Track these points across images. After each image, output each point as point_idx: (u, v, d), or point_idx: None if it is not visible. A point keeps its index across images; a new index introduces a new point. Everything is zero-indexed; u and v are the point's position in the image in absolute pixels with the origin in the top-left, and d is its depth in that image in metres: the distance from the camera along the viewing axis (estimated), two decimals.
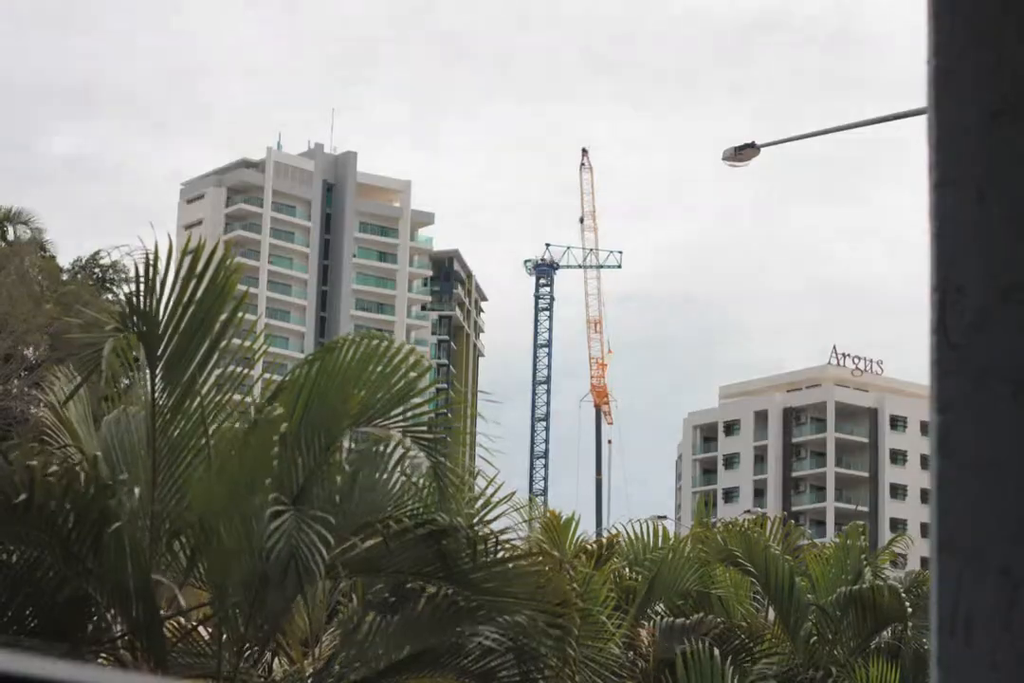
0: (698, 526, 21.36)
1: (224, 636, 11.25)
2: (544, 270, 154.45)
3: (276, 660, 13.01)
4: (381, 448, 11.92)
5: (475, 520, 12.19)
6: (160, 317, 11.16)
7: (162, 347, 11.22)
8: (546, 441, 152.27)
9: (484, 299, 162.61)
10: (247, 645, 11.37)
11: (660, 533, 19.32)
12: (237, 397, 11.86)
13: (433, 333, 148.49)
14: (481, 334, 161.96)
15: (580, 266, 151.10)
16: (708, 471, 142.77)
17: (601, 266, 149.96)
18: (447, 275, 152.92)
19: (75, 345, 13.55)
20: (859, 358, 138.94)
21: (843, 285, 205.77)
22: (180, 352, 11.26)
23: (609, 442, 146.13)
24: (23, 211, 43.72)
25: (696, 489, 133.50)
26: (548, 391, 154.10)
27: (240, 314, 11.64)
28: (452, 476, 11.94)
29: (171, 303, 11.19)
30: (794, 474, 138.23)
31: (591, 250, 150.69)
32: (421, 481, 12.03)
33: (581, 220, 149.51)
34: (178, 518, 11.33)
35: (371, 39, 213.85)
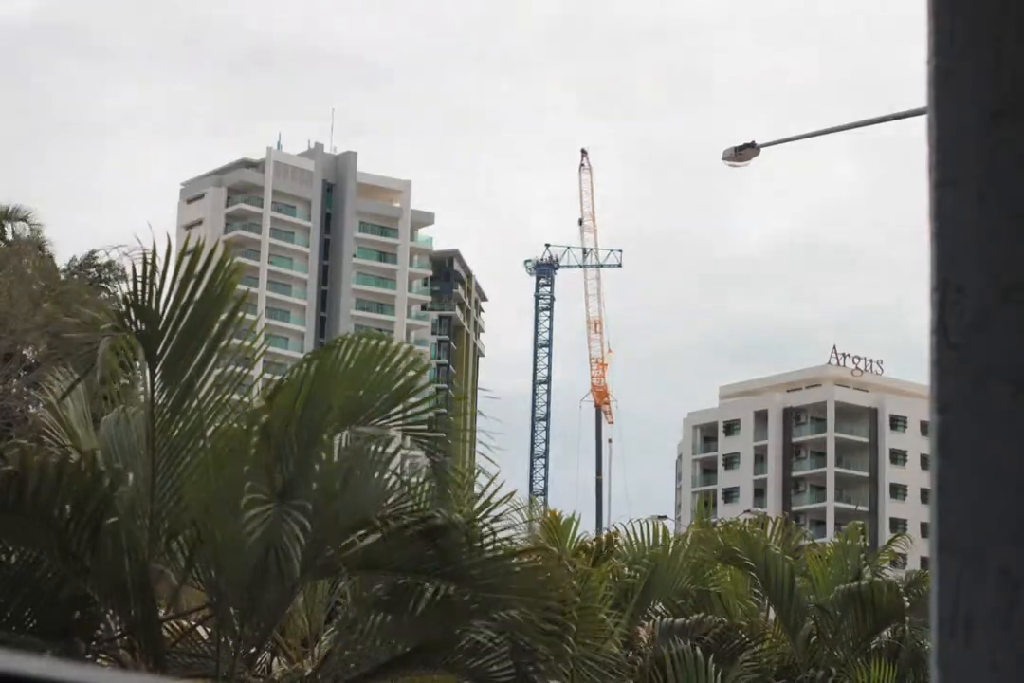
0: (698, 526, 21.37)
1: (222, 636, 11.25)
2: (544, 270, 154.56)
3: (275, 659, 13.02)
4: (379, 446, 11.92)
5: (475, 519, 12.19)
6: (159, 317, 11.16)
7: (161, 347, 11.22)
8: (546, 441, 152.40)
9: (484, 299, 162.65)
10: (245, 644, 11.37)
11: (660, 532, 19.32)
12: (236, 397, 11.85)
13: (433, 333, 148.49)
14: (481, 334, 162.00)
15: (580, 266, 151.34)
16: (708, 471, 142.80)
17: (601, 265, 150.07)
18: (447, 275, 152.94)
19: (74, 344, 13.54)
20: (859, 358, 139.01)
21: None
22: (179, 352, 11.26)
23: (609, 441, 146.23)
24: (22, 208, 43.72)
25: (696, 489, 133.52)
26: (548, 391, 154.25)
27: (240, 314, 11.64)
28: (451, 474, 11.95)
29: (170, 303, 11.18)
30: (794, 474, 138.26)
31: (590, 249, 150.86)
32: (419, 478, 12.03)
33: (580, 221, 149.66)
34: (176, 518, 11.33)
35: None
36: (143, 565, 10.66)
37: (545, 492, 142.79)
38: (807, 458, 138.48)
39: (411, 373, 11.74)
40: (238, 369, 11.91)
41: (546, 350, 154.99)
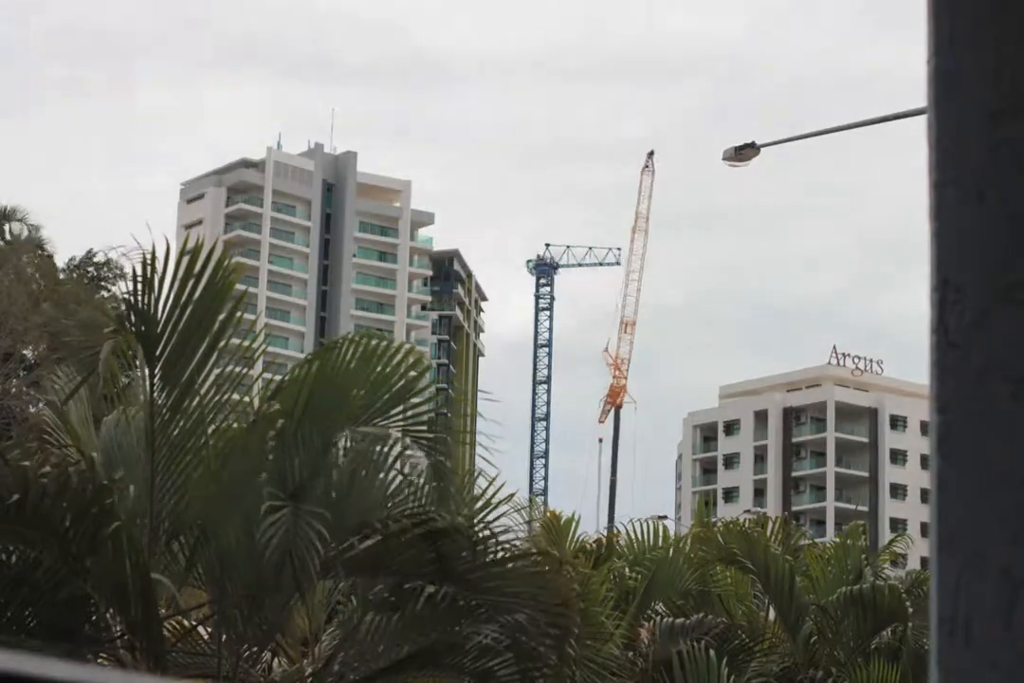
0: (698, 526, 21.37)
1: (223, 636, 11.25)
2: (544, 270, 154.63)
3: (275, 660, 13.02)
4: (380, 447, 11.92)
5: (475, 520, 12.18)
6: (159, 317, 11.16)
7: (161, 347, 11.21)
8: (546, 441, 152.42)
9: (484, 299, 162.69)
10: (246, 645, 11.37)
11: (660, 533, 19.32)
12: (236, 397, 11.85)
13: (433, 333, 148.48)
14: (481, 334, 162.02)
15: (579, 265, 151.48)
16: (708, 471, 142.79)
17: (601, 263, 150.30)
18: (447, 275, 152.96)
19: (74, 345, 13.54)
20: (859, 358, 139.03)
21: None
22: (179, 352, 11.25)
23: (600, 440, 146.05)
24: (18, 208, 43.73)
25: (696, 489, 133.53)
26: (548, 391, 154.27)
27: (239, 314, 11.63)
28: (452, 475, 11.95)
29: (170, 303, 11.18)
30: (794, 474, 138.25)
31: (590, 249, 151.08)
32: (420, 480, 12.03)
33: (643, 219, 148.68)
34: (177, 518, 11.32)
35: None
36: (144, 565, 10.65)
37: (545, 492, 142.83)
38: (807, 458, 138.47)
39: (412, 373, 11.74)
40: (238, 369, 11.91)
41: (546, 350, 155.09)
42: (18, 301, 37.25)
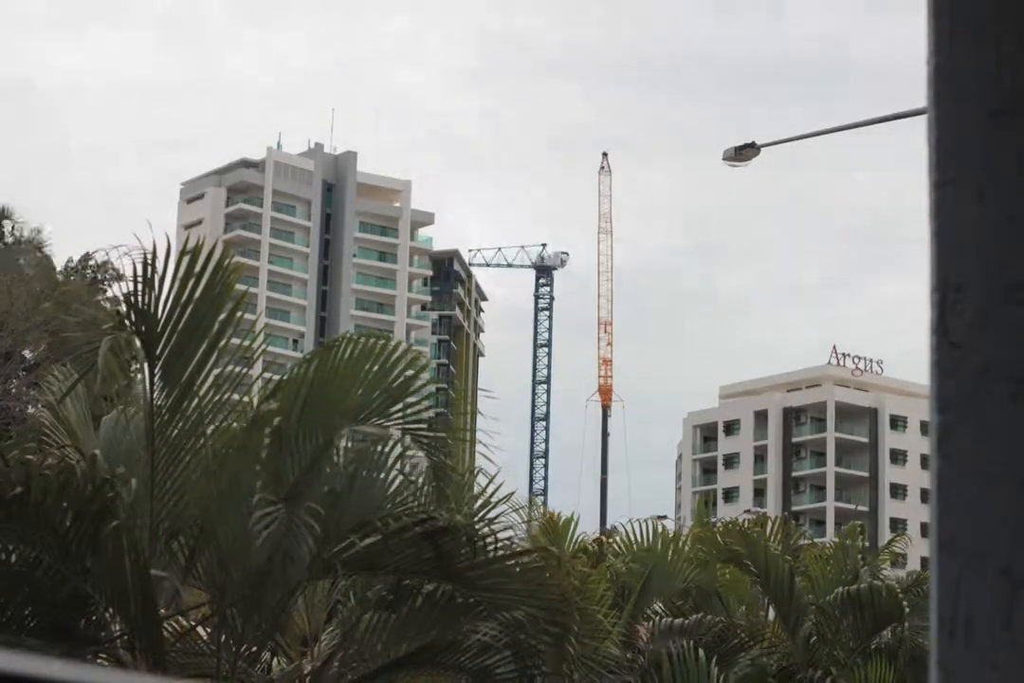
0: (698, 526, 21.37)
1: (223, 635, 11.25)
2: (544, 270, 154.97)
3: (275, 659, 13.02)
4: (380, 447, 11.93)
5: (474, 518, 12.19)
6: (158, 317, 11.15)
7: (160, 347, 11.21)
8: (546, 441, 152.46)
9: (484, 299, 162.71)
10: (245, 644, 11.37)
11: (659, 532, 19.32)
12: (236, 397, 11.85)
13: (433, 333, 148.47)
14: (481, 334, 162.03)
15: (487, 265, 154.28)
16: (708, 471, 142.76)
17: (511, 264, 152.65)
18: (447, 275, 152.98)
19: (74, 344, 13.53)
20: (859, 358, 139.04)
21: None
22: (178, 352, 11.25)
23: (608, 434, 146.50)
24: (7, 208, 43.74)
25: (696, 489, 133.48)
26: (548, 391, 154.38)
27: (239, 313, 11.63)
28: (451, 474, 11.95)
29: (170, 303, 11.17)
30: (794, 474, 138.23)
31: (499, 249, 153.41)
32: (420, 479, 12.03)
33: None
34: (177, 518, 11.33)
35: None
36: (143, 565, 10.65)
37: (545, 492, 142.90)
38: (807, 458, 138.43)
39: (410, 372, 11.74)
40: (238, 369, 11.91)
41: (546, 350, 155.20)
42: (18, 301, 37.24)
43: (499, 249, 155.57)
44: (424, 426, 11.90)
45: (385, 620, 11.83)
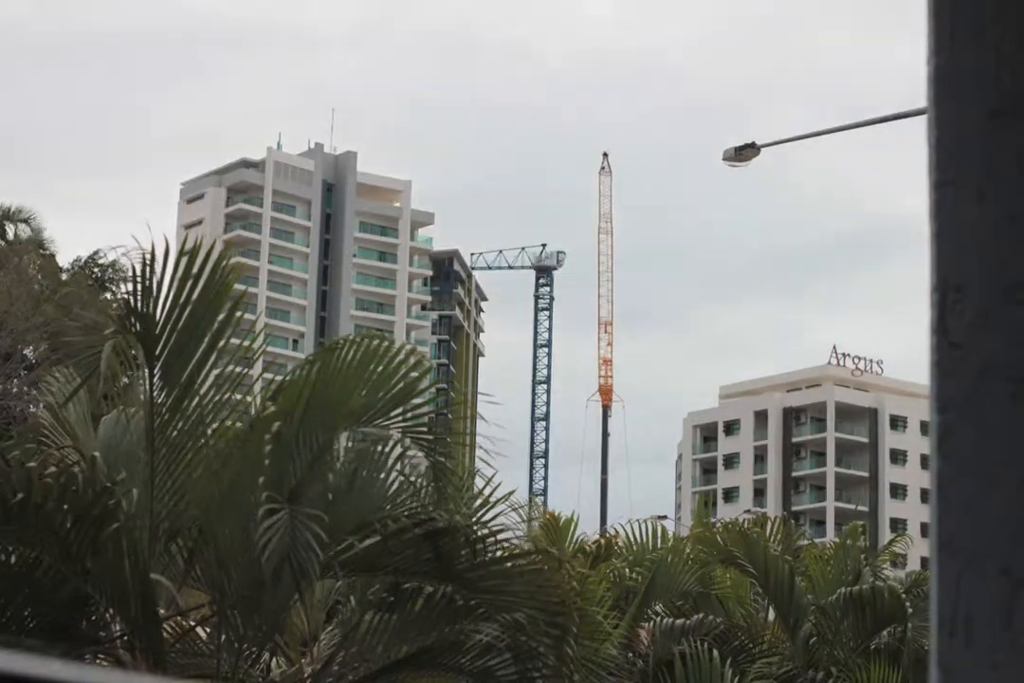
0: (698, 526, 21.36)
1: (223, 636, 11.24)
2: (544, 270, 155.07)
3: (275, 660, 13.02)
4: (380, 448, 11.93)
5: (474, 519, 12.19)
6: (158, 317, 11.15)
7: (160, 347, 11.21)
8: (546, 441, 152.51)
9: (484, 299, 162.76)
10: (245, 645, 11.36)
11: (660, 533, 19.32)
12: (236, 397, 11.85)
13: (433, 333, 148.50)
14: (481, 334, 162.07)
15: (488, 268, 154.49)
16: (708, 471, 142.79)
17: (511, 266, 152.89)
18: (447, 275, 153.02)
19: (74, 345, 13.54)
20: (859, 358, 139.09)
21: None
22: (178, 352, 11.25)
23: (608, 434, 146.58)
24: (23, 209, 43.75)
25: (696, 489, 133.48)
26: (548, 391, 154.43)
27: (239, 313, 11.63)
28: (451, 475, 11.94)
29: (169, 303, 11.18)
30: (794, 474, 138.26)
31: (500, 252, 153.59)
32: (420, 481, 12.03)
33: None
34: (177, 518, 11.32)
35: None
36: (143, 566, 10.65)
37: (545, 492, 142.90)
38: (807, 458, 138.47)
39: (413, 374, 11.73)
40: (237, 369, 11.91)
41: (545, 350, 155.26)
42: (19, 301, 37.24)
43: (500, 252, 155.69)
44: (424, 428, 11.89)
45: (385, 621, 11.82)
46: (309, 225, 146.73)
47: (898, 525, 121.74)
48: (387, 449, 11.93)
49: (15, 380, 38.23)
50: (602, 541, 19.05)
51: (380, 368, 11.63)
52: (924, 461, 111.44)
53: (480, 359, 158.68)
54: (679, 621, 17.98)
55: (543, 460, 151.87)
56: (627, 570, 18.17)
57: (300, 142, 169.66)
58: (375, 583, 12.12)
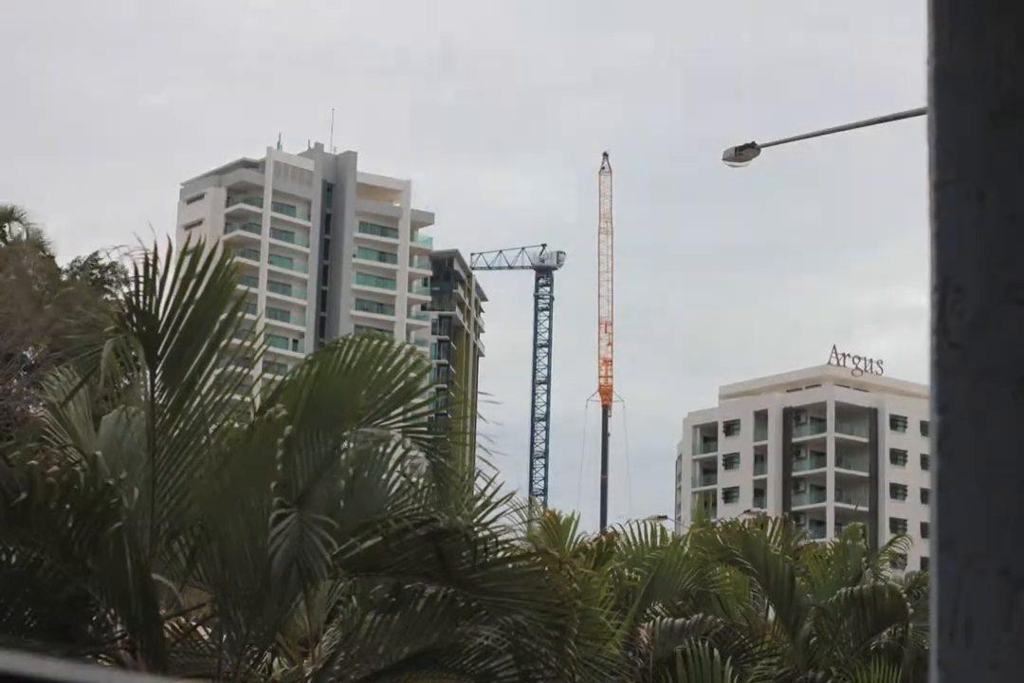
0: (698, 526, 21.36)
1: (224, 636, 11.24)
2: (544, 270, 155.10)
3: (276, 660, 13.01)
4: (381, 448, 11.93)
5: (475, 520, 12.18)
6: (159, 317, 11.16)
7: (161, 347, 11.21)
8: (546, 441, 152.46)
9: (484, 299, 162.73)
10: (247, 645, 11.36)
11: (659, 533, 19.31)
12: (237, 397, 11.85)
13: (433, 333, 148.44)
14: (481, 334, 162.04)
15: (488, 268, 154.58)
16: (708, 471, 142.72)
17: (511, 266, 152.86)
18: (447, 275, 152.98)
19: (75, 345, 13.54)
20: (859, 358, 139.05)
21: None
22: (179, 352, 11.25)
23: (608, 434, 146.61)
24: (18, 209, 43.73)
25: (696, 489, 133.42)
26: (548, 391, 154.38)
27: (239, 314, 11.63)
28: (452, 476, 11.94)
29: (170, 303, 11.18)
30: (794, 474, 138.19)
31: (500, 252, 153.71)
32: (421, 481, 12.03)
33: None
34: (178, 518, 11.32)
35: None
36: (144, 565, 10.65)
37: (545, 492, 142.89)
38: (807, 458, 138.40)
39: (412, 375, 11.73)
40: (238, 369, 11.91)
41: (545, 350, 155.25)
42: (19, 302, 37.23)
43: (500, 252, 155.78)
44: (424, 428, 11.89)
45: (386, 622, 11.82)
46: (309, 225, 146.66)
47: (898, 525, 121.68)
48: (388, 450, 11.93)
49: (15, 380, 38.22)
50: (603, 539, 19.04)
51: (380, 368, 11.63)
52: (924, 461, 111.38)
53: (480, 359, 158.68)
54: (679, 621, 17.97)
55: (543, 460, 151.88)
56: (626, 570, 18.16)
57: (300, 142, 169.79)
58: (377, 584, 12.12)
